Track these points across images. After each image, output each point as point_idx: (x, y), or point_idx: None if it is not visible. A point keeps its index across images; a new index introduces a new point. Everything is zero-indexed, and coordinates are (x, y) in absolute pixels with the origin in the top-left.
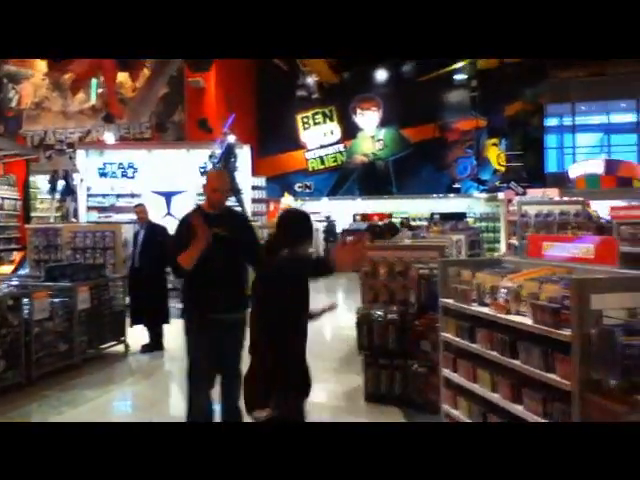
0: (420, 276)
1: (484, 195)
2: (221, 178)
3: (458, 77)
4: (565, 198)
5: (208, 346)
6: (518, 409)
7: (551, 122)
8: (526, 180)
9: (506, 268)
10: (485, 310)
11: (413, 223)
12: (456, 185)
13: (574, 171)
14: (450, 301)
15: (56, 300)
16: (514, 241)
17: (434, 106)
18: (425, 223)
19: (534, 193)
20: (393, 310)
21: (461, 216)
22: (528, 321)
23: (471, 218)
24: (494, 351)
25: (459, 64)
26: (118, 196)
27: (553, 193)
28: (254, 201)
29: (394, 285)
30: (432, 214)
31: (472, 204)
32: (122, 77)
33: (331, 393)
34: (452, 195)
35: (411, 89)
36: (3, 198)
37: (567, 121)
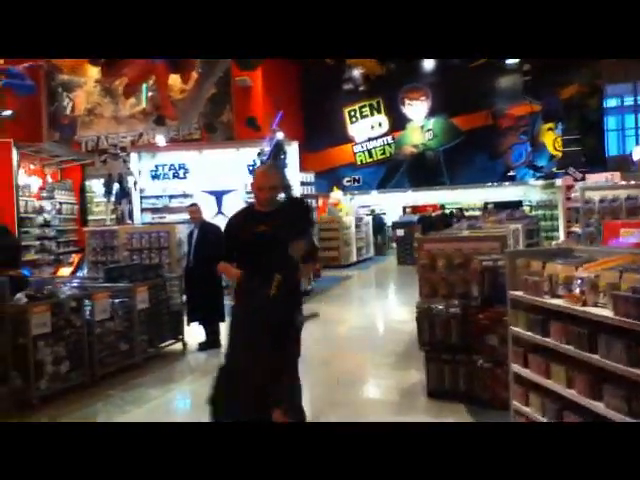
0: (483, 268)
1: (540, 182)
2: (266, 175)
3: (510, 61)
4: (632, 182)
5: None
6: (598, 406)
7: (611, 103)
8: (585, 165)
9: (579, 257)
10: (559, 302)
11: (466, 213)
12: (511, 173)
13: (638, 153)
14: (519, 293)
15: (116, 301)
16: (576, 229)
17: (485, 93)
18: (478, 213)
19: (594, 178)
20: (454, 304)
21: (517, 204)
22: (608, 313)
23: (527, 206)
24: (570, 345)
25: None
26: (171, 197)
27: (615, 177)
28: (303, 197)
29: (454, 278)
30: (486, 203)
31: (527, 192)
32: (170, 79)
33: (391, 389)
34: (507, 183)
35: (460, 76)
36: (61, 203)
37: (628, 101)
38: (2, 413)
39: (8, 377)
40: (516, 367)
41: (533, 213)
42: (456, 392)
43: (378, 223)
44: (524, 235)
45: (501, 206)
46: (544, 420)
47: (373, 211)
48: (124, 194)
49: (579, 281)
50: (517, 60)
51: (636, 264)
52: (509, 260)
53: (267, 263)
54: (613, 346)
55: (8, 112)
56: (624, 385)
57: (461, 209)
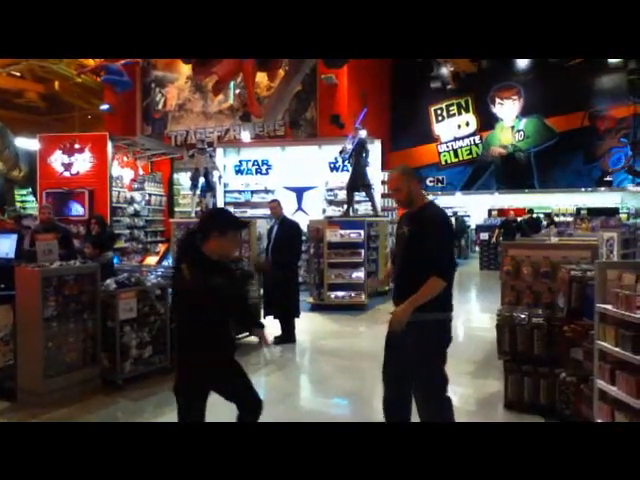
0: (571, 278)
1: None
2: (391, 179)
3: (612, 60)
4: None
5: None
6: None
7: None
8: None
9: None
10: None
11: (556, 219)
12: (607, 178)
13: None
14: (609, 307)
15: None
16: None
17: (583, 92)
18: (569, 219)
19: None
20: (538, 314)
21: (613, 212)
22: None
23: (624, 214)
24: None
25: None
26: (253, 192)
27: None
28: (384, 196)
29: (539, 286)
30: (578, 209)
31: (625, 198)
32: (257, 77)
33: (468, 398)
34: (602, 189)
35: (557, 75)
36: (150, 194)
37: None
38: (91, 392)
39: (97, 358)
40: (602, 383)
41: (631, 221)
42: (536, 405)
43: (461, 225)
44: (619, 245)
45: (595, 212)
46: None
47: (456, 213)
48: (209, 188)
49: None
50: (621, 59)
51: None
52: (600, 271)
53: (402, 265)
54: None
55: (106, 106)
56: None
57: (549, 214)
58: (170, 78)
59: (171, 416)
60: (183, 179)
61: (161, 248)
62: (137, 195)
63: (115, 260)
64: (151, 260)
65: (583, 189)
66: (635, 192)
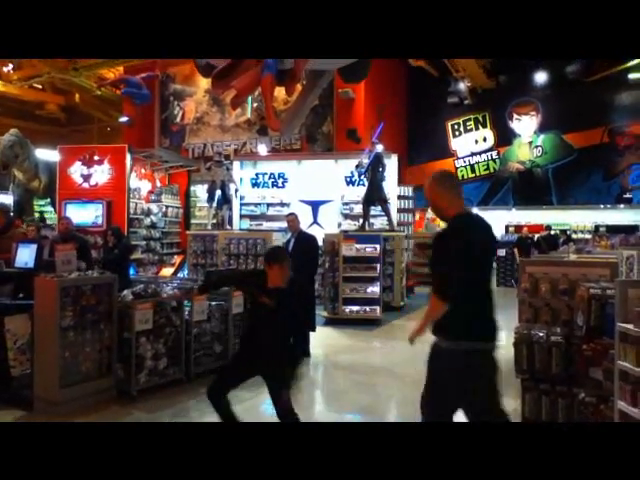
0: (591, 296)
1: None
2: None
3: (633, 76)
4: None
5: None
6: None
7: None
8: None
9: None
10: None
11: (574, 236)
12: (627, 195)
13: None
14: (630, 326)
15: (213, 303)
16: None
17: (603, 108)
18: (588, 236)
19: None
20: (557, 332)
21: (632, 229)
22: None
23: None
24: None
25: (634, 61)
26: (269, 205)
27: None
28: (400, 210)
29: (557, 304)
30: (597, 226)
31: None
32: (275, 91)
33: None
34: (622, 206)
35: (576, 91)
36: (167, 206)
37: None
38: (105, 402)
39: (112, 368)
40: (622, 404)
41: None
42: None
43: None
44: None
45: (614, 230)
46: None
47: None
48: (225, 200)
49: None
50: None
51: None
52: (620, 289)
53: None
54: None
55: (125, 118)
56: None
57: (565, 231)
58: (188, 92)
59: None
60: (200, 191)
61: (177, 260)
62: (154, 207)
63: (131, 271)
64: (167, 271)
65: (602, 206)
66: None
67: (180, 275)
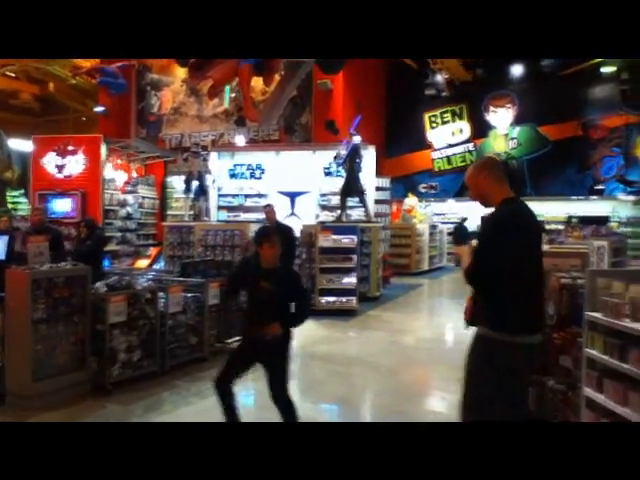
0: (562, 286)
1: (631, 197)
2: (466, 175)
3: (605, 69)
4: None
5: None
6: None
7: None
8: None
9: None
10: None
11: (548, 227)
12: (599, 187)
13: None
14: (598, 315)
15: (189, 295)
16: None
17: (577, 102)
18: (561, 227)
19: None
20: None
21: (604, 220)
22: None
23: (615, 222)
24: None
25: None
26: (246, 196)
27: None
28: (377, 202)
29: None
30: (570, 217)
31: (617, 207)
32: (253, 81)
33: (456, 404)
34: (594, 197)
35: (550, 84)
36: (143, 197)
37: None
38: (79, 396)
39: (86, 361)
40: (589, 391)
41: (621, 230)
42: None
43: (465, 232)
44: (610, 253)
45: (586, 221)
46: None
47: (464, 219)
48: (202, 191)
49: None
50: (614, 69)
51: None
52: (590, 279)
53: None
54: None
55: (101, 108)
56: None
57: (542, 222)
58: (165, 81)
59: (159, 420)
60: (176, 182)
61: (152, 251)
62: (130, 198)
63: (106, 263)
64: (142, 263)
65: (575, 197)
66: (626, 201)
67: (156, 267)
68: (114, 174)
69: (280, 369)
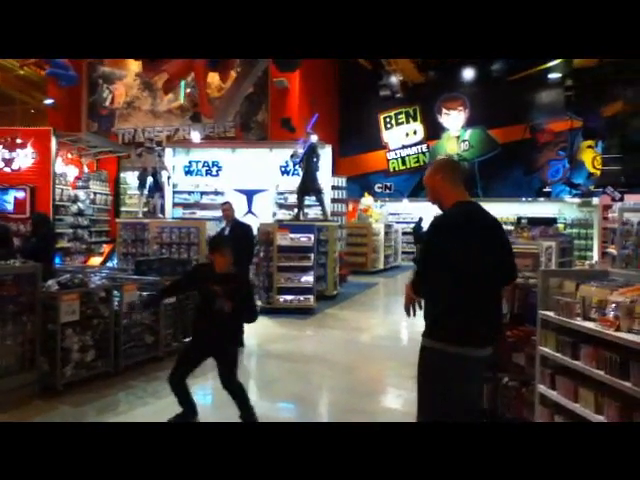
0: (514, 285)
1: (577, 200)
2: (425, 176)
3: (552, 76)
4: None
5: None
6: None
7: None
8: (624, 185)
9: (615, 281)
10: (591, 325)
11: None
12: (546, 189)
13: None
14: (550, 314)
15: (144, 293)
16: (612, 250)
17: (524, 106)
18: (511, 228)
19: (633, 199)
20: None
21: (551, 221)
22: None
23: (561, 224)
24: (600, 370)
25: (553, 62)
26: (202, 193)
27: None
28: (333, 201)
29: None
30: (519, 219)
31: (563, 209)
32: (209, 77)
33: (412, 401)
34: (542, 199)
35: (500, 88)
36: (95, 193)
37: None
38: (28, 398)
39: (36, 362)
40: (542, 388)
41: (567, 231)
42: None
43: (419, 232)
44: (557, 253)
45: (535, 222)
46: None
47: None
48: (157, 188)
49: (613, 305)
50: (559, 75)
51: None
52: (542, 279)
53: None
54: None
55: (50, 101)
56: None
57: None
58: (118, 75)
59: (113, 421)
60: (130, 178)
61: (105, 249)
62: (81, 193)
63: (57, 261)
64: (95, 261)
65: (524, 199)
66: (572, 203)
67: (109, 264)
68: (65, 169)
69: (230, 357)
